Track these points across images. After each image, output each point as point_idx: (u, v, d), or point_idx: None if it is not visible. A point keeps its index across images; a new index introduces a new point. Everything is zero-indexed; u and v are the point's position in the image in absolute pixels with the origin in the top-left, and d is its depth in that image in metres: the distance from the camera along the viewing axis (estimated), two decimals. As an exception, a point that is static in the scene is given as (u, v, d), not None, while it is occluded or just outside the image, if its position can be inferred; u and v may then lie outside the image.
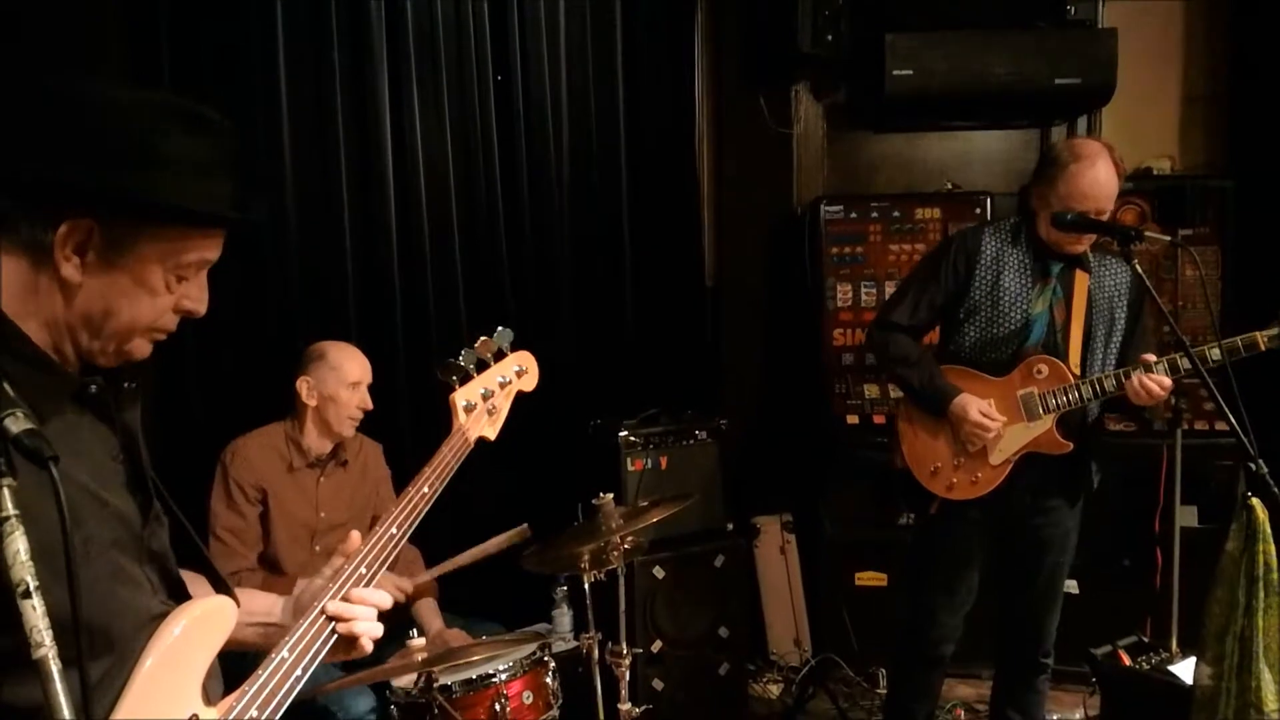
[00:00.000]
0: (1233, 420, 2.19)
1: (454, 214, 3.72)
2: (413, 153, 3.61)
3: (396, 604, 2.82)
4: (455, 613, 3.11)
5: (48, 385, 1.14)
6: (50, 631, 0.87)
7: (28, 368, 1.12)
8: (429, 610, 3.02)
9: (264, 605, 1.47)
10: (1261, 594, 2.20)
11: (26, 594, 0.87)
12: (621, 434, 3.53)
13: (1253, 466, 2.17)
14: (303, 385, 2.98)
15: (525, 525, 3.09)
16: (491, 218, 3.83)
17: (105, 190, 1.12)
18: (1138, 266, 2.49)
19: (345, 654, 1.38)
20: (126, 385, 1.27)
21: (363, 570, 1.41)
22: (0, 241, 1.14)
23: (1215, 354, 2.52)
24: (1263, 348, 2.55)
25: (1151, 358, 2.62)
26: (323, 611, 1.33)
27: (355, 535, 1.45)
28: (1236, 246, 3.85)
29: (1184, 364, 2.56)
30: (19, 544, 0.88)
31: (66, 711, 0.86)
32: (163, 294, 1.19)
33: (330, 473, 3.04)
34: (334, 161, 3.44)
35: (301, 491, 2.98)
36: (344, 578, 1.38)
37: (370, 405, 3.02)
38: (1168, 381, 2.61)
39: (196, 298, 1.24)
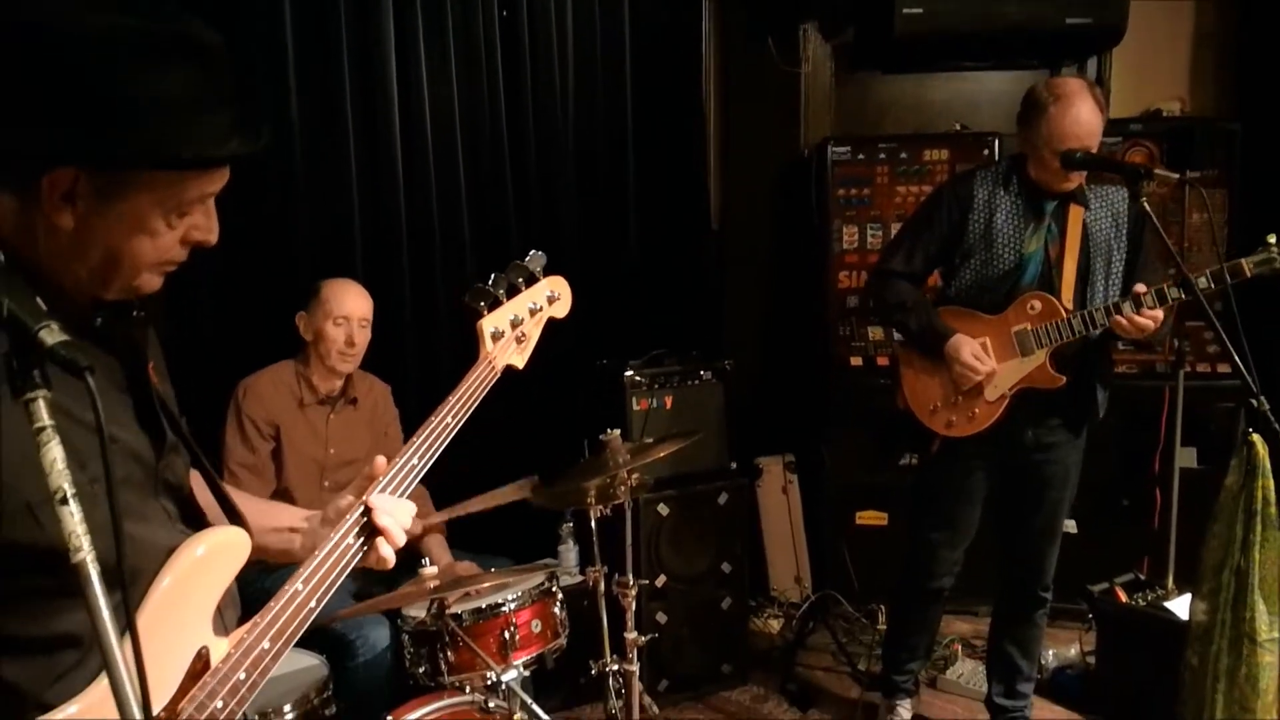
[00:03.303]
0: (1236, 357, 2.21)
1: (460, 154, 3.70)
2: (418, 93, 3.58)
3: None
4: (463, 549, 3.16)
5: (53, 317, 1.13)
6: (89, 536, 0.88)
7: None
8: (438, 545, 3.06)
9: (289, 516, 1.48)
10: (1259, 528, 2.23)
11: (64, 500, 0.88)
12: (627, 374, 3.55)
13: (1254, 403, 2.20)
14: (300, 320, 3.02)
15: (536, 477, 3.12)
16: (497, 160, 3.81)
17: (80, 145, 1.03)
18: (1144, 205, 2.48)
19: (365, 561, 1.39)
20: (135, 314, 1.24)
21: (348, 542, 1.38)
22: None
23: (1202, 282, 2.54)
24: (1248, 274, 2.54)
25: (1142, 288, 2.64)
26: (356, 521, 1.35)
27: (380, 460, 1.44)
28: (1243, 189, 3.84)
29: (1173, 294, 2.58)
30: (55, 452, 0.89)
31: (106, 613, 0.87)
32: (164, 233, 1.13)
33: (340, 410, 3.07)
34: (339, 97, 3.41)
35: (311, 428, 3.02)
36: (367, 497, 1.38)
37: (358, 341, 3.00)
38: (1158, 314, 2.63)
39: (205, 228, 1.18)
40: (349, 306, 3.00)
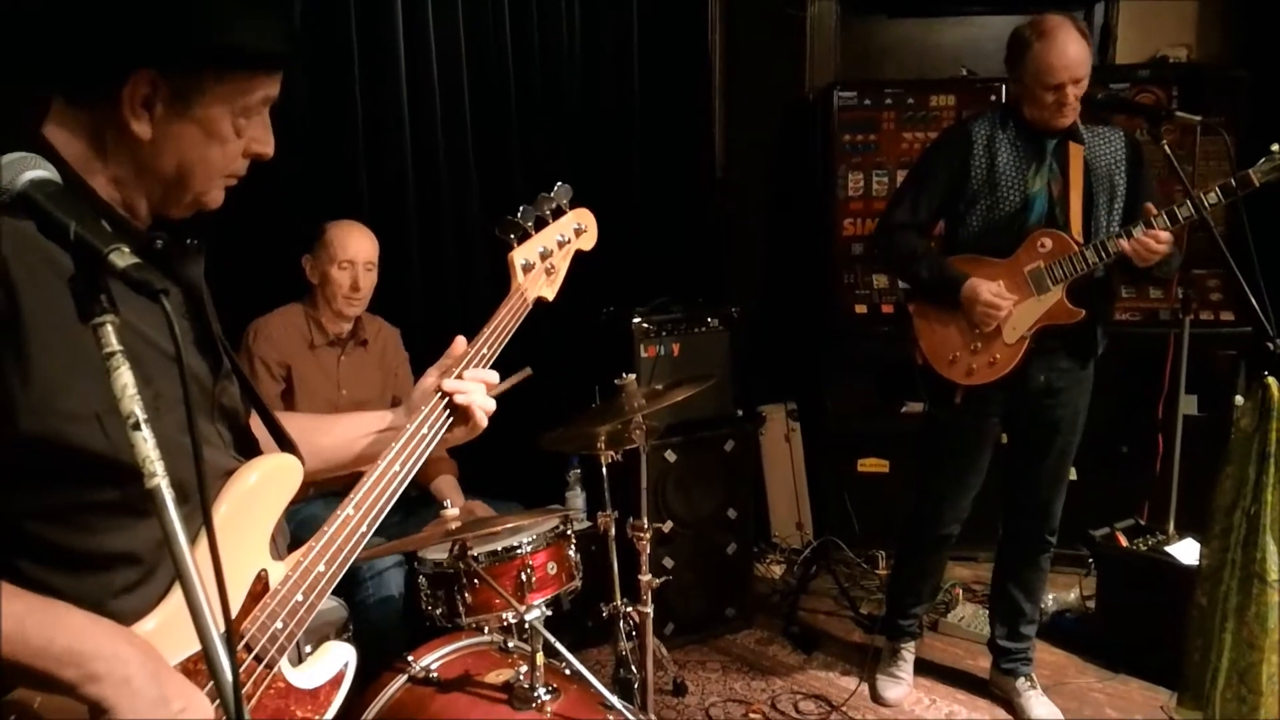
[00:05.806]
0: (1253, 299, 2.22)
1: (466, 97, 3.65)
2: (424, 33, 3.52)
3: (419, 480, 2.89)
4: (471, 493, 3.16)
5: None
6: (162, 462, 0.88)
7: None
8: (450, 486, 3.07)
9: (376, 420, 1.54)
10: (1273, 469, 2.25)
11: (136, 426, 0.88)
12: (635, 321, 3.54)
13: (1270, 345, 2.21)
14: (306, 263, 3.03)
15: (527, 368, 3.12)
16: (502, 103, 3.77)
17: (164, 41, 1.10)
18: (1166, 148, 2.47)
19: (463, 429, 1.49)
20: (190, 242, 1.26)
21: (424, 430, 1.44)
22: (64, 100, 1.12)
23: (1212, 197, 2.55)
24: (1256, 183, 2.53)
25: (1152, 209, 2.63)
26: (411, 437, 1.42)
27: (460, 340, 1.54)
28: (1249, 136, 3.83)
29: (1183, 213, 2.59)
30: (126, 377, 0.88)
31: (183, 539, 0.87)
32: (232, 140, 1.18)
33: (350, 351, 3.06)
34: (345, 37, 3.35)
35: (323, 369, 3.00)
36: (401, 441, 1.42)
37: (363, 285, 2.99)
38: (1167, 236, 2.63)
39: (263, 139, 1.23)
40: (353, 250, 2.99)
